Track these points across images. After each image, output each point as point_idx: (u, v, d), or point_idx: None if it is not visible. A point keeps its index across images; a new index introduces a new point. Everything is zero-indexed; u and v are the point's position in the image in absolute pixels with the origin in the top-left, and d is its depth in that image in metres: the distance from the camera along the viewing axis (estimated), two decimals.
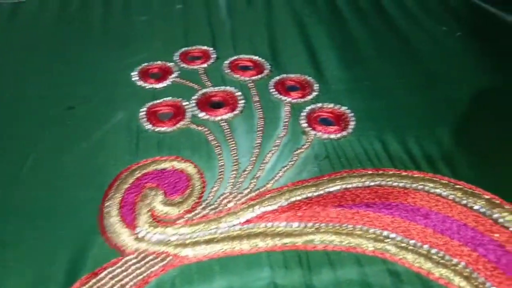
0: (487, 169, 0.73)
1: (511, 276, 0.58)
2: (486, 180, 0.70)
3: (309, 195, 0.69)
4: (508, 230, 0.63)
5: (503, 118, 0.83)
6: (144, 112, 0.84)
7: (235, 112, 0.84)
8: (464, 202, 0.67)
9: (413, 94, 0.90)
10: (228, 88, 0.89)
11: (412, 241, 0.62)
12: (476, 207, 0.66)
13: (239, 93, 0.88)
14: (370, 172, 0.72)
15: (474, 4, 1.20)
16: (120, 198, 0.68)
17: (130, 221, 0.66)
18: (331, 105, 0.85)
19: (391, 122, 0.82)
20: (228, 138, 0.79)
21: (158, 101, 0.86)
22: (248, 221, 0.66)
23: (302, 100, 0.87)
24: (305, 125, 0.81)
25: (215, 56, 0.99)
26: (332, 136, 0.79)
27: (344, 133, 0.80)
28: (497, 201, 0.67)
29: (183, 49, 1.01)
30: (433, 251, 0.61)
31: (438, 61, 0.99)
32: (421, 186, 0.69)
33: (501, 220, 0.64)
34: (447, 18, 1.15)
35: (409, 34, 1.08)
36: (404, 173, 0.71)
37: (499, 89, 0.91)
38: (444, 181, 0.70)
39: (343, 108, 0.85)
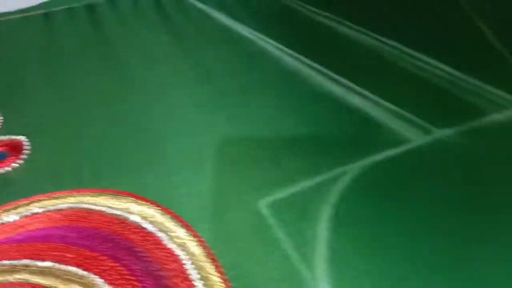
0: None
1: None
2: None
3: None
4: None
5: None
6: None
7: None
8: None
9: (107, 106, 0.94)
10: None
11: (44, 263, 0.65)
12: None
13: None
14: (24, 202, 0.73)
15: (191, 6, 1.28)
16: None
17: None
18: (7, 137, 0.85)
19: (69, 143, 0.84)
20: None
21: None
22: None
23: None
24: None
25: None
26: (6, 169, 0.79)
27: (20, 161, 0.80)
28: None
29: None
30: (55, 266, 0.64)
31: (144, 68, 1.05)
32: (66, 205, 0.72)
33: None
34: (164, 25, 1.21)
35: (122, 45, 1.12)
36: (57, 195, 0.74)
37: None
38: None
39: (20, 137, 0.84)
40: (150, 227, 0.69)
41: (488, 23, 1.12)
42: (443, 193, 0.73)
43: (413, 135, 0.82)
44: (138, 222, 0.70)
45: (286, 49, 1.06)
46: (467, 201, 0.72)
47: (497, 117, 0.86)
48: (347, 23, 1.14)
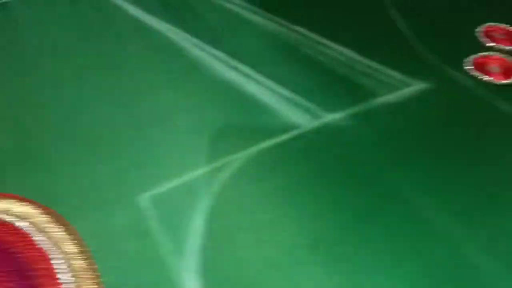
0: None
1: None
2: None
3: None
4: None
5: None
6: None
7: None
8: None
9: None
10: None
11: None
12: None
13: None
14: None
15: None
16: None
17: None
18: None
19: None
20: None
21: None
22: None
23: None
24: None
25: None
26: None
27: None
28: None
29: None
30: None
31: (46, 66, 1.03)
32: None
33: None
34: None
35: (31, 44, 1.10)
36: None
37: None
38: None
39: None
40: (27, 228, 0.68)
41: (400, 9, 1.13)
42: (327, 178, 0.74)
43: (303, 120, 0.83)
44: (16, 223, 0.69)
45: (193, 39, 1.05)
46: (351, 185, 0.73)
47: (388, 98, 0.88)
48: (256, 9, 1.14)
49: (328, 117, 0.83)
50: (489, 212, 0.69)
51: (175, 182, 0.73)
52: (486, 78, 0.91)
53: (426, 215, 0.67)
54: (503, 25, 1.06)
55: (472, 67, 0.94)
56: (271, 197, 0.71)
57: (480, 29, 1.05)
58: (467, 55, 0.97)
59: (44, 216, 0.70)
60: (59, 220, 0.69)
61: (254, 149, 0.78)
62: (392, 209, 0.69)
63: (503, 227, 0.67)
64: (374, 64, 0.96)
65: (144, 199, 0.71)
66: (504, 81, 0.91)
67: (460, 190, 0.71)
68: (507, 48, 1.00)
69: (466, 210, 0.68)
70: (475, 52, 0.98)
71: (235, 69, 0.96)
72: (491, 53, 0.98)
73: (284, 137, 0.80)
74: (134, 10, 1.17)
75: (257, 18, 1.12)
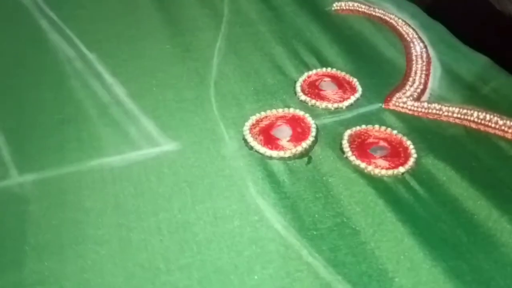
0: None
1: None
2: None
3: None
4: None
5: None
6: None
7: None
8: None
9: None
10: None
11: None
12: None
13: None
14: None
15: None
16: None
17: None
18: None
19: None
20: None
21: None
22: None
23: None
24: None
25: None
26: None
27: None
28: None
29: None
30: None
31: None
32: None
33: None
34: None
35: None
36: None
37: None
38: None
39: None
40: None
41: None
42: None
43: None
44: None
45: None
46: None
47: (113, 160, 0.68)
48: (64, 27, 0.97)
49: (16, 179, 0.64)
50: None
51: None
52: (254, 143, 0.70)
53: None
54: (334, 71, 0.85)
55: (248, 130, 0.73)
56: None
57: (303, 78, 0.84)
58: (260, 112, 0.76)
59: None
60: None
61: None
62: None
63: None
64: (136, 110, 0.76)
65: None
66: (283, 153, 0.70)
67: None
68: (324, 105, 0.79)
69: None
70: (280, 107, 0.78)
71: None
72: (290, 110, 0.77)
73: None
74: None
75: (57, 37, 0.95)
